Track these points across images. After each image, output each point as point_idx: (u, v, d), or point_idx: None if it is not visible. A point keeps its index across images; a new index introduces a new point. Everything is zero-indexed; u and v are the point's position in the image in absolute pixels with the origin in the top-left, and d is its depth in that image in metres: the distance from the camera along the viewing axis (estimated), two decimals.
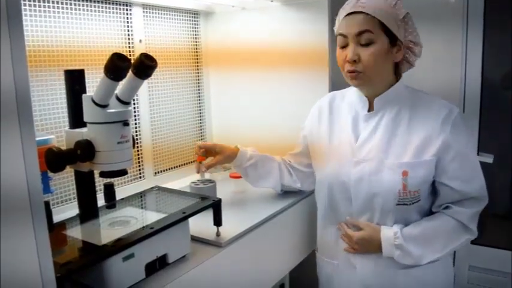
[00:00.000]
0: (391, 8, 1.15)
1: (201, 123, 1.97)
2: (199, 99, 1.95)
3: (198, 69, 1.93)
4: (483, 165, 1.88)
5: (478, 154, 1.92)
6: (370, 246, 1.22)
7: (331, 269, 1.35)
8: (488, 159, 1.90)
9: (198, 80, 1.93)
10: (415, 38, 1.19)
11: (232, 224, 1.22)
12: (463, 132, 1.19)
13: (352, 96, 1.31)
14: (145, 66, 0.95)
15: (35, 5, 1.27)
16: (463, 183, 1.18)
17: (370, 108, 1.26)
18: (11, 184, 0.62)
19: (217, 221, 1.15)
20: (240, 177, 1.57)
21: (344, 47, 1.18)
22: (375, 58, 1.15)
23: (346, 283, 1.30)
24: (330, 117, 1.34)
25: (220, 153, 1.38)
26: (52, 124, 1.32)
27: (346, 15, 1.17)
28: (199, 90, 1.94)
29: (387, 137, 1.20)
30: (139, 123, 1.63)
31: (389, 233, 1.19)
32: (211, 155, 1.40)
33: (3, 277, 0.62)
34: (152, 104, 1.68)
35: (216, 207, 1.14)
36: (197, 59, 1.92)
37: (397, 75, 1.26)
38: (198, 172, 1.42)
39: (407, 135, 1.19)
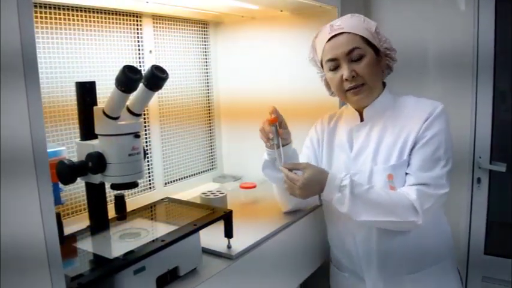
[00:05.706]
0: (362, 23, 1.22)
1: (210, 132, 1.97)
2: (209, 104, 1.96)
3: (208, 84, 1.94)
4: (496, 174, 1.89)
5: (490, 163, 1.91)
6: (312, 188, 1.18)
7: (342, 281, 1.37)
8: (501, 168, 1.89)
9: (208, 95, 1.94)
10: (389, 44, 1.24)
11: (243, 235, 1.21)
12: (439, 123, 1.18)
13: (347, 112, 1.35)
14: (156, 78, 0.95)
15: (46, 17, 1.28)
16: (420, 171, 1.16)
17: (362, 120, 1.29)
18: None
19: (229, 233, 1.14)
20: (250, 187, 1.57)
21: (334, 70, 1.22)
22: (370, 68, 1.19)
23: None
24: (329, 133, 1.37)
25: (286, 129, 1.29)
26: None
27: (328, 41, 1.21)
28: (209, 105, 1.95)
29: (377, 144, 1.23)
30: (149, 133, 1.63)
31: (337, 175, 1.17)
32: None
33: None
34: (162, 114, 1.69)
35: (227, 219, 1.14)
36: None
37: (383, 83, 1.30)
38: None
39: (393, 139, 1.20)
